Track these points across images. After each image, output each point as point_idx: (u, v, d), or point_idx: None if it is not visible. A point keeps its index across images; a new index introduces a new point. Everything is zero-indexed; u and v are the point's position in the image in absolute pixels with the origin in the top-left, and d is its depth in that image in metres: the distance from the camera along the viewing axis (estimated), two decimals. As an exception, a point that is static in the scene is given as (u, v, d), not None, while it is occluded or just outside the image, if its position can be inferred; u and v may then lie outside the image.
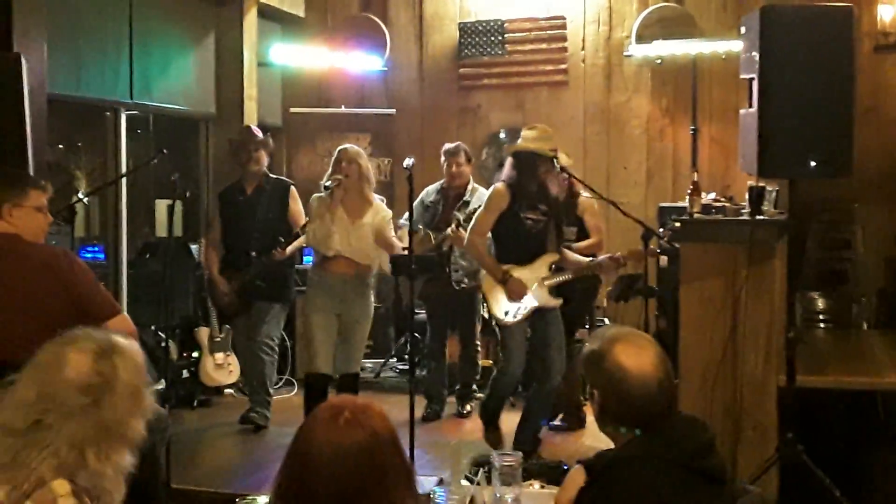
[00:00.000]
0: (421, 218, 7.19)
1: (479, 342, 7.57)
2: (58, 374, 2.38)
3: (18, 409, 2.35)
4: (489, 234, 6.18)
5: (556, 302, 6.14)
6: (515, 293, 6.01)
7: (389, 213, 6.45)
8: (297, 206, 7.07)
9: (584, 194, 6.96)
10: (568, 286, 6.35)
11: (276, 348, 7.23)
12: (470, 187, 7.25)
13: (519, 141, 6.17)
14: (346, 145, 6.47)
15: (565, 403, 7.04)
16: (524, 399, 6.65)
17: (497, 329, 6.18)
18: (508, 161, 6.20)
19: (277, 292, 7.03)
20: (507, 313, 6.05)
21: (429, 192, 7.36)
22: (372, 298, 6.48)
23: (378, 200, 6.46)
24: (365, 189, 6.33)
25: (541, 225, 6.08)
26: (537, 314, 6.14)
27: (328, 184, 6.21)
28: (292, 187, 7.18)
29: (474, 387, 7.53)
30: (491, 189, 6.23)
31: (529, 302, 6.06)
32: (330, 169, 6.38)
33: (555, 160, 6.01)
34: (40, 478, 2.28)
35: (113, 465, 2.40)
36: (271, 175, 7.23)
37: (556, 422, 7.05)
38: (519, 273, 6.06)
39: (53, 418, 2.33)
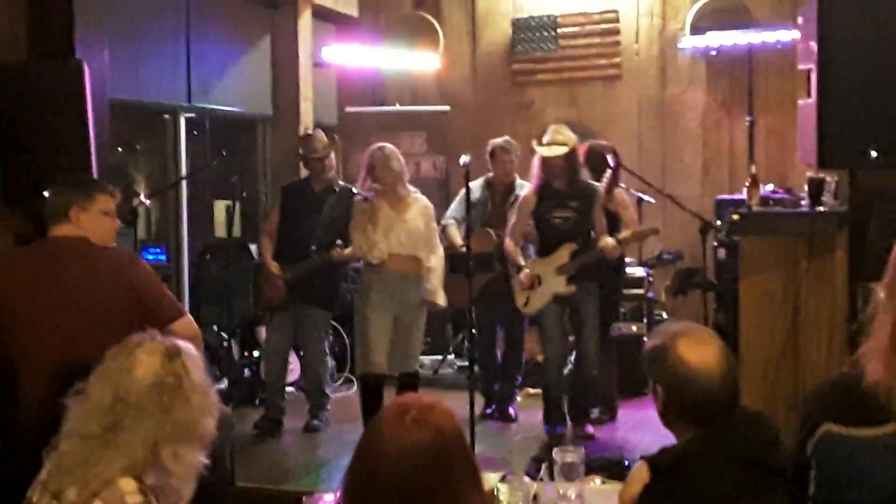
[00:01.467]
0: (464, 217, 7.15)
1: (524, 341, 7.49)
2: (130, 376, 2.44)
3: (93, 415, 2.41)
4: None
5: (570, 289, 6.36)
6: (519, 282, 6.47)
7: (430, 204, 6.53)
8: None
9: (623, 186, 7.03)
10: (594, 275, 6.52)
11: (327, 350, 7.26)
12: (518, 182, 7.22)
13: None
14: (378, 146, 6.44)
15: (601, 396, 7.05)
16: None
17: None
18: (533, 166, 6.53)
19: (328, 299, 6.94)
20: (526, 303, 6.49)
21: (472, 189, 7.26)
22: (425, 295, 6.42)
23: (416, 192, 6.49)
24: (399, 188, 6.38)
25: (571, 221, 6.39)
26: (573, 305, 6.45)
27: (368, 196, 6.26)
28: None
29: (517, 385, 7.44)
30: (521, 197, 6.62)
31: (546, 290, 6.42)
32: (363, 171, 6.41)
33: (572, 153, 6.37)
34: (108, 477, 2.33)
35: (185, 465, 2.46)
36: (340, 182, 7.13)
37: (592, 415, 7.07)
38: (536, 264, 6.48)
39: (130, 420, 2.39)
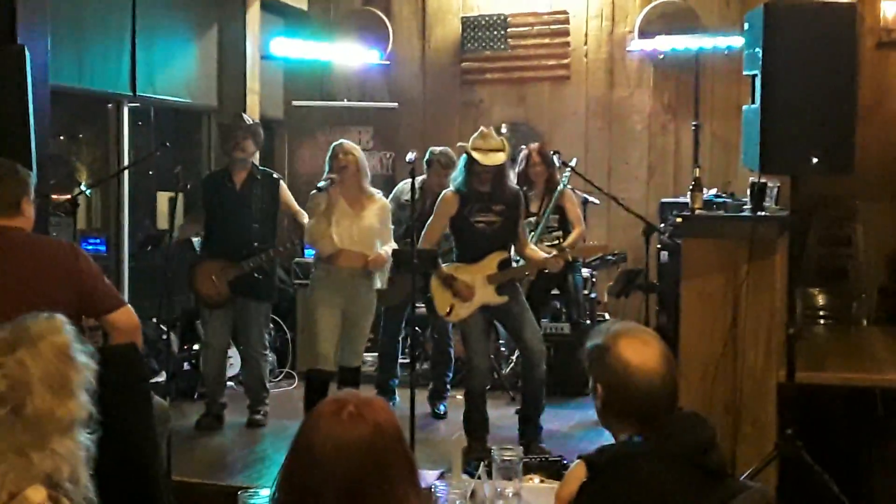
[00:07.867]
0: (397, 217, 6.99)
1: (451, 337, 7.45)
2: None
3: None
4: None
5: (502, 299, 6.09)
6: (462, 295, 6.06)
7: (389, 204, 6.65)
8: (289, 197, 7.02)
9: (564, 186, 7.08)
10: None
11: (268, 345, 7.21)
12: None
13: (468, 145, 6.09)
14: (342, 140, 6.55)
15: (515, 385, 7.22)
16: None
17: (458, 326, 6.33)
18: (457, 166, 6.22)
19: (267, 291, 6.94)
20: (449, 311, 6.13)
21: (404, 192, 7.17)
22: (375, 292, 6.47)
23: (377, 193, 6.55)
24: (363, 182, 6.41)
25: (496, 226, 6.07)
26: (500, 311, 6.17)
27: (323, 184, 6.25)
28: (282, 181, 7.08)
29: (447, 385, 7.46)
30: (441, 195, 6.22)
31: (474, 299, 6.09)
32: (326, 166, 6.42)
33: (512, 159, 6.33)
34: (11, 491, 2.22)
35: (63, 456, 2.32)
36: (260, 167, 7.07)
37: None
38: (464, 271, 6.10)
39: None
